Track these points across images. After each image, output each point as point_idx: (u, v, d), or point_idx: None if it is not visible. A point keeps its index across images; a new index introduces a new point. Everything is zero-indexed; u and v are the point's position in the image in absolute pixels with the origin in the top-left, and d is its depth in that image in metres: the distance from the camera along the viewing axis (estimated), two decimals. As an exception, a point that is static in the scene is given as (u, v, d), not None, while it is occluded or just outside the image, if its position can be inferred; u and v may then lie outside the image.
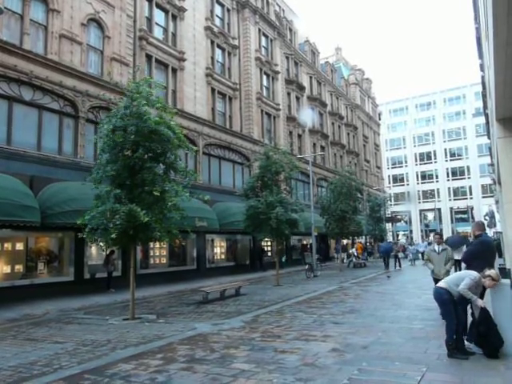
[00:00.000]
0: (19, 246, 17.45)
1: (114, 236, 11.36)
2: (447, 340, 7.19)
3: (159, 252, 24.08)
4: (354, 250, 36.90)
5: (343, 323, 10.58)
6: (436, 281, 10.19)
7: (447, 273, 10.40)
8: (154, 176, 12.27)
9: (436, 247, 11.19)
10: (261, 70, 35.82)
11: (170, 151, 12.71)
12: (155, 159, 12.56)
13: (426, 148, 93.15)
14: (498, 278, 7.35)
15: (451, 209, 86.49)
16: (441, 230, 77.60)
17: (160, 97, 13.52)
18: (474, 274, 7.34)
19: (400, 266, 30.34)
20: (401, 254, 31.20)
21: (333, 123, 51.12)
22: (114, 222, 11.19)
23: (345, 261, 34.83)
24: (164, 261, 24.43)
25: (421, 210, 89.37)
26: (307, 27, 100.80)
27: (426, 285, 18.48)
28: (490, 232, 42.00)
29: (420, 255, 34.68)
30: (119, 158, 12.20)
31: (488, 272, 7.43)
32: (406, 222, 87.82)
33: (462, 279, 7.29)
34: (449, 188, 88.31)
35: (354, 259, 34.61)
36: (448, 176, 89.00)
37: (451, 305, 7.27)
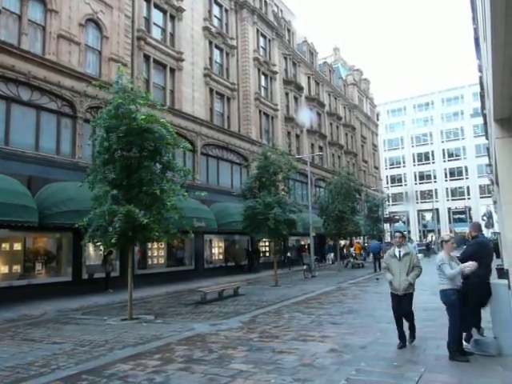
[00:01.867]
0: (17, 247, 17.41)
1: (114, 241, 11.37)
2: (449, 343, 7.09)
3: (157, 252, 24.06)
4: (352, 249, 36.88)
5: (341, 323, 10.59)
6: (395, 297, 8.10)
7: (410, 286, 7.89)
8: (151, 175, 12.26)
9: (396, 251, 8.17)
10: (259, 70, 35.82)
11: (164, 149, 12.70)
12: (151, 158, 12.55)
13: (424, 148, 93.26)
14: (450, 236, 7.62)
15: (449, 209, 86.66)
16: (439, 230, 77.65)
17: (148, 92, 13.51)
18: (438, 257, 7.47)
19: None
20: None
21: (331, 123, 51.15)
22: (114, 226, 11.17)
23: (330, 261, 34.27)
24: (162, 261, 24.40)
25: (419, 211, 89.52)
26: (305, 27, 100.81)
27: (423, 285, 18.50)
28: (487, 233, 42.01)
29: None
30: (116, 159, 12.20)
31: (440, 238, 8.04)
32: (404, 223, 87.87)
33: (443, 270, 7.20)
34: (447, 188, 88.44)
35: (351, 259, 34.59)
36: (446, 176, 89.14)
37: (459, 306, 7.12)
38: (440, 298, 7.38)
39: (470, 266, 7.12)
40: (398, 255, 8.10)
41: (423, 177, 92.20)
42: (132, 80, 13.16)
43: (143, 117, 11.97)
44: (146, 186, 12.14)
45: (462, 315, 7.13)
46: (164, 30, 26.39)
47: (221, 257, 29.77)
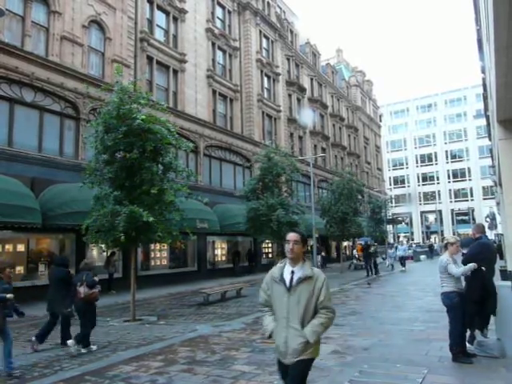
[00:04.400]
0: (20, 248, 17.44)
1: (123, 239, 11.36)
2: (452, 345, 7.08)
3: (160, 254, 24.08)
4: (354, 251, 36.70)
5: (344, 325, 10.57)
6: (281, 367, 3.98)
7: (308, 348, 3.79)
8: (151, 176, 12.27)
9: (286, 271, 3.99)
10: (262, 71, 35.85)
11: (165, 149, 12.70)
12: (153, 159, 12.56)
13: (427, 150, 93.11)
14: (455, 239, 7.43)
15: (452, 210, 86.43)
16: (442, 231, 77.36)
17: (148, 93, 13.56)
18: (443, 259, 7.27)
19: (377, 272, 26.67)
20: (379, 259, 26.96)
21: (334, 125, 51.14)
22: (118, 226, 11.18)
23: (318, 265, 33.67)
24: (165, 262, 24.41)
25: (422, 212, 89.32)
26: (308, 29, 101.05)
27: (427, 287, 18.48)
28: (491, 234, 41.83)
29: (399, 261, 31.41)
30: (116, 160, 12.23)
31: (445, 241, 7.64)
32: (407, 224, 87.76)
33: (450, 269, 7.13)
34: (450, 190, 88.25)
35: (354, 261, 34.51)
36: (449, 178, 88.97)
37: (461, 309, 7.10)
38: (441, 300, 7.36)
39: (475, 265, 7.13)
40: (287, 280, 3.92)
41: (426, 178, 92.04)
42: (133, 81, 13.17)
43: (143, 117, 11.98)
44: (145, 186, 12.17)
45: (463, 317, 7.12)
46: (167, 32, 26.44)
47: (224, 258, 29.77)
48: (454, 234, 74.50)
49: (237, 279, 23.97)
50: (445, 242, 7.60)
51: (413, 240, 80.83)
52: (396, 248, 35.10)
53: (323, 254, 40.55)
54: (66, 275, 9.49)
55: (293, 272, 3.93)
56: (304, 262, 3.98)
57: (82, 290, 8.68)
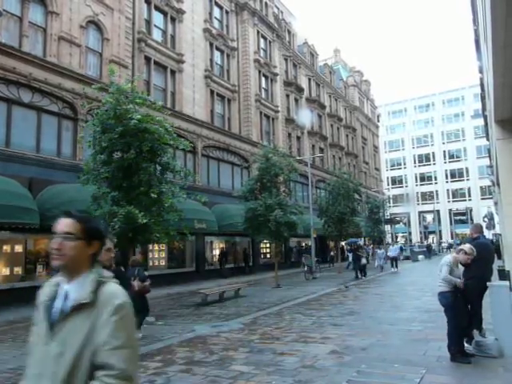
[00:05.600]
0: (18, 248, 17.40)
1: (115, 241, 11.37)
2: (450, 345, 7.10)
3: (158, 254, 24.05)
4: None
5: (342, 325, 10.58)
6: None
7: None
8: (149, 177, 12.25)
9: (61, 291, 2.00)
10: (259, 71, 35.85)
11: (162, 149, 12.69)
12: (150, 160, 12.54)
13: (425, 150, 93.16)
14: (472, 252, 7.37)
15: (450, 210, 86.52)
16: (440, 231, 77.21)
17: (145, 92, 13.57)
18: (446, 259, 7.41)
19: (365, 274, 25.45)
20: (364, 260, 25.70)
21: (331, 125, 51.14)
22: (113, 226, 11.19)
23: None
24: (163, 263, 24.38)
25: (420, 212, 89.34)
26: (306, 29, 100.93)
27: (425, 287, 18.50)
28: (489, 234, 41.88)
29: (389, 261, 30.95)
30: (112, 160, 12.23)
31: (462, 246, 7.61)
32: (404, 224, 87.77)
33: (442, 270, 7.28)
34: (447, 190, 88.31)
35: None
36: (447, 178, 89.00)
37: (456, 308, 7.14)
38: (438, 300, 7.39)
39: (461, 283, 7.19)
40: (55, 310, 1.96)
41: (424, 178, 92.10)
42: (130, 81, 13.17)
43: (139, 117, 11.97)
44: (143, 187, 12.16)
45: (461, 317, 7.12)
46: (165, 32, 26.41)
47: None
48: (451, 234, 74.70)
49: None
50: (460, 247, 7.63)
51: (411, 240, 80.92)
52: (387, 247, 34.79)
53: (332, 253, 40.61)
54: (116, 271, 10.29)
55: (67, 294, 2.00)
56: (90, 273, 2.01)
57: (136, 283, 9.67)
